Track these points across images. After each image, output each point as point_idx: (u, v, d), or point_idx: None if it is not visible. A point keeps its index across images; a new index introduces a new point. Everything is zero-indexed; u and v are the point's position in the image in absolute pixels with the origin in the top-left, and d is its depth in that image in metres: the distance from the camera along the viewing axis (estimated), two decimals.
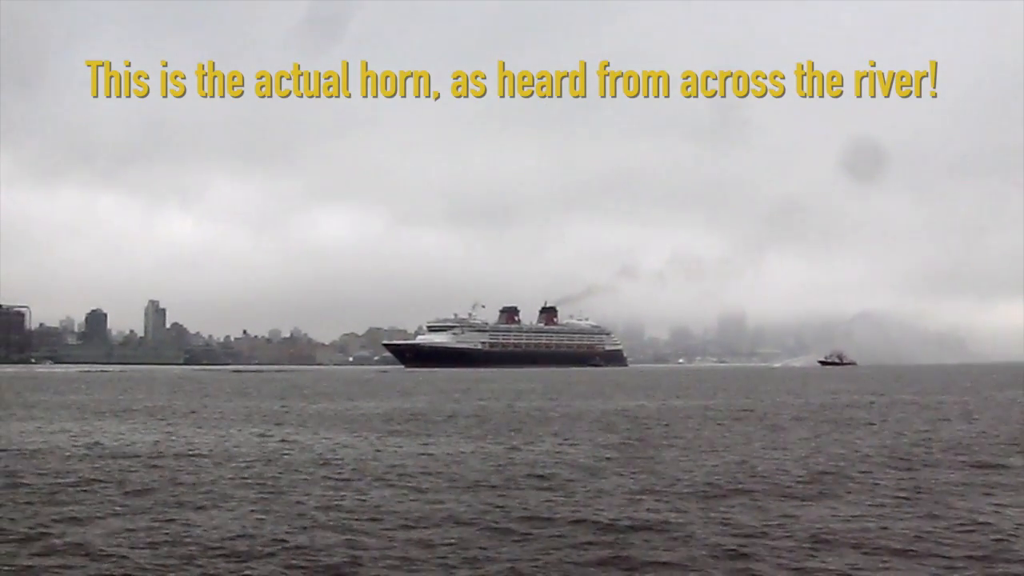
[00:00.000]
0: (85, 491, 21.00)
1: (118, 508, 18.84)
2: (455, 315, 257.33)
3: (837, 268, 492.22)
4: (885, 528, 16.44)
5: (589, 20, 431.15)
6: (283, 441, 32.83)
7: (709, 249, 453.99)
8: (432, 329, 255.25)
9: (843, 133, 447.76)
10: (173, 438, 34.31)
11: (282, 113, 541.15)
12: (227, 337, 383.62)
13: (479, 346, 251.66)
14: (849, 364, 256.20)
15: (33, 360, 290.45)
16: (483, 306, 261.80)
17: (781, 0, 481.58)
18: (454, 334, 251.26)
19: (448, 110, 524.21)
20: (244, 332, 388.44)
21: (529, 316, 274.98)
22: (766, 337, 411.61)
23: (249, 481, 22.40)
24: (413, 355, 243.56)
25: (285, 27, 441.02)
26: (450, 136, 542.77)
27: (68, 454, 28.87)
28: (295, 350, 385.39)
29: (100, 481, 22.63)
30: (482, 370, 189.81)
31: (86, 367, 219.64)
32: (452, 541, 15.54)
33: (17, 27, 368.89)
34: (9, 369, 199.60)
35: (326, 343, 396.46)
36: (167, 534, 16.25)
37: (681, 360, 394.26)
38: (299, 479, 22.72)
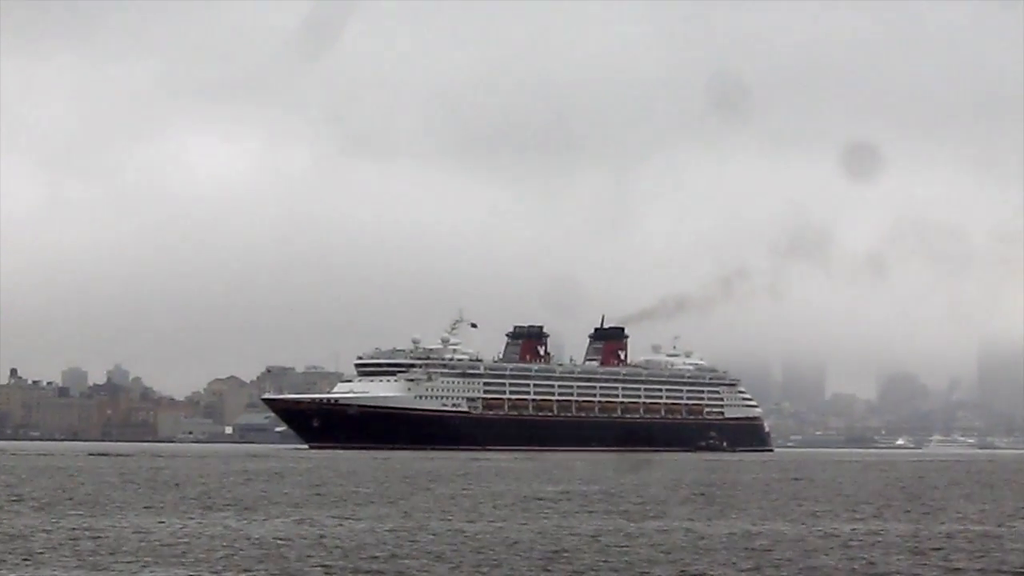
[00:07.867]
0: None
1: None
2: (415, 344, 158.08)
3: None
4: None
5: None
6: None
7: (973, 210, 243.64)
8: (365, 371, 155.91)
9: None
10: None
11: None
12: None
13: (462, 405, 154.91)
14: None
15: None
16: (473, 324, 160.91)
17: None
18: (410, 381, 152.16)
19: None
20: (13, 373, 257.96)
21: (571, 347, 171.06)
22: None
23: None
24: (324, 423, 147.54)
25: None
26: None
27: None
28: (116, 411, 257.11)
29: None
30: (468, 456, 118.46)
31: None
32: None
33: None
34: None
35: (179, 398, 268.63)
36: None
37: (902, 441, 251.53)
38: None
